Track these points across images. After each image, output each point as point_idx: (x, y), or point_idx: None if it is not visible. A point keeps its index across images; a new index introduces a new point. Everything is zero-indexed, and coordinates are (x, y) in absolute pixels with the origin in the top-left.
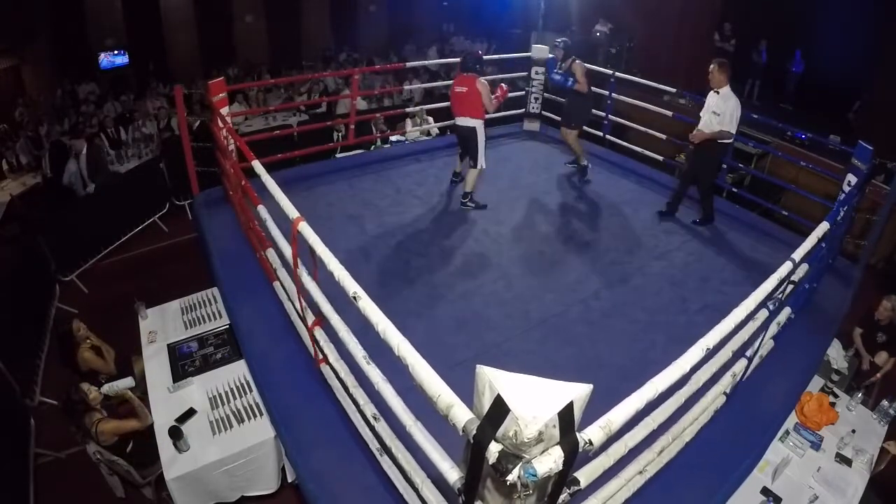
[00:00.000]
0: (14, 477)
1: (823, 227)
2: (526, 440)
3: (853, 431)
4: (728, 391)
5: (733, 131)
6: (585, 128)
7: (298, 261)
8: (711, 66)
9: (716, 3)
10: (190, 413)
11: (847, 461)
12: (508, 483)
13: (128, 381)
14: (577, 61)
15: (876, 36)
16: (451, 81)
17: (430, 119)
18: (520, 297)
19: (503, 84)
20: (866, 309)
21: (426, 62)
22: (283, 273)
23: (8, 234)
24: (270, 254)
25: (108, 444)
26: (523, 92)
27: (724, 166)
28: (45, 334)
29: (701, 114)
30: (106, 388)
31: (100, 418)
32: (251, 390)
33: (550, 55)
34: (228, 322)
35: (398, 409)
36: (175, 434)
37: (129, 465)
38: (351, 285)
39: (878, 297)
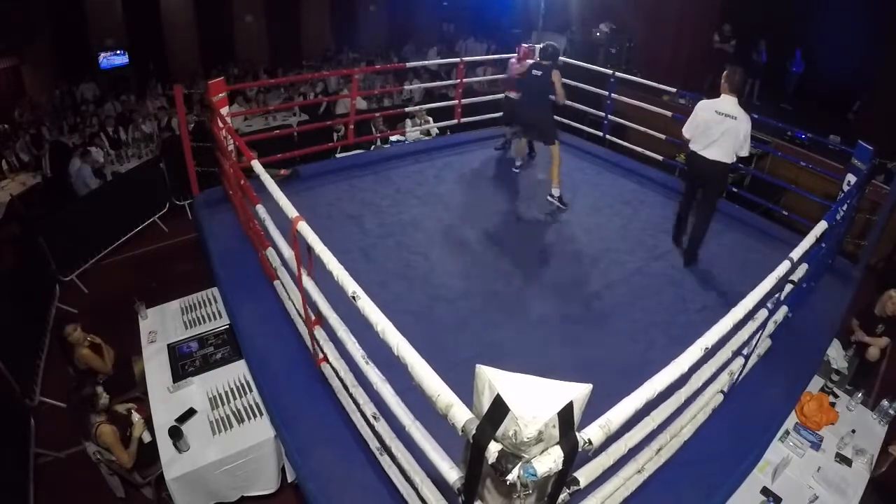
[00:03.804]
0: (14, 477)
1: (822, 226)
2: (525, 440)
3: (853, 431)
4: (725, 390)
5: (686, 136)
6: (586, 128)
7: (299, 260)
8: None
9: (715, 4)
10: (190, 413)
11: (847, 461)
12: (508, 483)
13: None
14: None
15: (876, 36)
16: (451, 81)
17: (430, 119)
18: (519, 296)
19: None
20: (864, 305)
21: (426, 62)
22: (282, 273)
23: (8, 235)
24: (270, 253)
25: (104, 447)
26: None
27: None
28: (45, 334)
29: None
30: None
31: (102, 421)
32: (251, 390)
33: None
34: (228, 322)
35: (397, 408)
36: (175, 434)
37: None
38: (350, 285)
39: (877, 296)
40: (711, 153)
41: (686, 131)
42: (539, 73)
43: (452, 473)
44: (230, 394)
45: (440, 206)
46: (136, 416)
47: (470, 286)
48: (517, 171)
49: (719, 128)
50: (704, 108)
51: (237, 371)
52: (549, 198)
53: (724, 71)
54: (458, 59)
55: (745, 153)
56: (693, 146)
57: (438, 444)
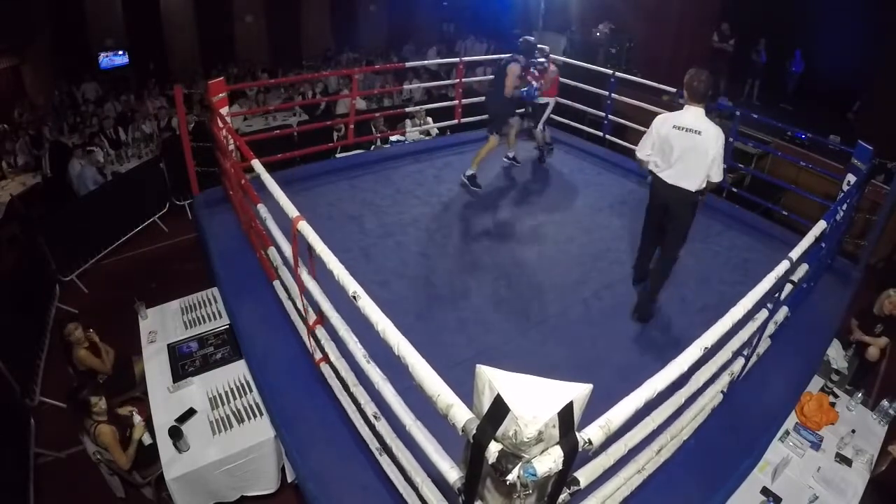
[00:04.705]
0: (14, 477)
1: (821, 225)
2: (526, 440)
3: (853, 431)
4: (725, 390)
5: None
6: (586, 128)
7: (299, 260)
8: None
9: (715, 3)
10: (190, 413)
11: (847, 461)
12: (508, 483)
13: (147, 438)
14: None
15: (876, 36)
16: (451, 81)
17: (430, 119)
18: (520, 296)
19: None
20: (863, 304)
21: (426, 62)
22: (283, 272)
23: (8, 235)
24: (271, 253)
25: (103, 447)
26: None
27: (724, 166)
28: (45, 334)
29: None
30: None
31: (101, 421)
32: (251, 390)
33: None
34: (228, 322)
35: (398, 408)
36: (175, 434)
37: None
38: (351, 284)
39: (877, 296)
40: (672, 177)
41: (639, 151)
42: (503, 65)
43: (453, 473)
44: (230, 394)
45: (440, 206)
46: (136, 418)
47: (470, 286)
48: (507, 161)
49: (679, 145)
50: (661, 122)
51: (237, 371)
52: (462, 176)
53: (685, 76)
54: (457, 59)
55: (717, 178)
56: (653, 168)
57: (439, 444)
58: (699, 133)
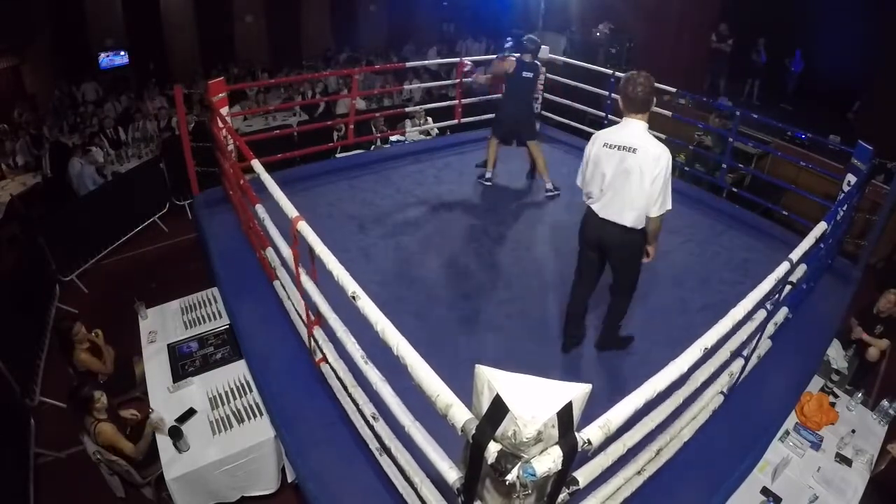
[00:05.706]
0: (14, 477)
1: (821, 227)
2: (525, 440)
3: (853, 431)
4: (725, 391)
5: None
6: (586, 128)
7: (298, 260)
8: None
9: (715, 3)
10: (190, 413)
11: (847, 461)
12: (507, 483)
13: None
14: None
15: (876, 36)
16: (451, 81)
17: (430, 119)
18: (520, 296)
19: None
20: (863, 304)
21: (426, 62)
22: (282, 273)
23: (8, 235)
24: (270, 253)
25: (103, 445)
26: None
27: (724, 166)
28: (45, 334)
29: None
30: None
31: (101, 419)
32: (251, 390)
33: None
34: (228, 322)
35: (396, 409)
36: (175, 434)
37: (128, 465)
38: (350, 285)
39: (877, 296)
40: (607, 210)
41: (578, 178)
42: (530, 74)
43: (452, 473)
44: (230, 394)
45: (440, 206)
46: (155, 414)
47: (470, 286)
48: (489, 183)
49: (611, 168)
50: (592, 141)
51: (237, 371)
52: (547, 194)
53: (620, 80)
54: (458, 59)
55: (655, 213)
56: (586, 199)
57: (438, 445)
58: (633, 151)
